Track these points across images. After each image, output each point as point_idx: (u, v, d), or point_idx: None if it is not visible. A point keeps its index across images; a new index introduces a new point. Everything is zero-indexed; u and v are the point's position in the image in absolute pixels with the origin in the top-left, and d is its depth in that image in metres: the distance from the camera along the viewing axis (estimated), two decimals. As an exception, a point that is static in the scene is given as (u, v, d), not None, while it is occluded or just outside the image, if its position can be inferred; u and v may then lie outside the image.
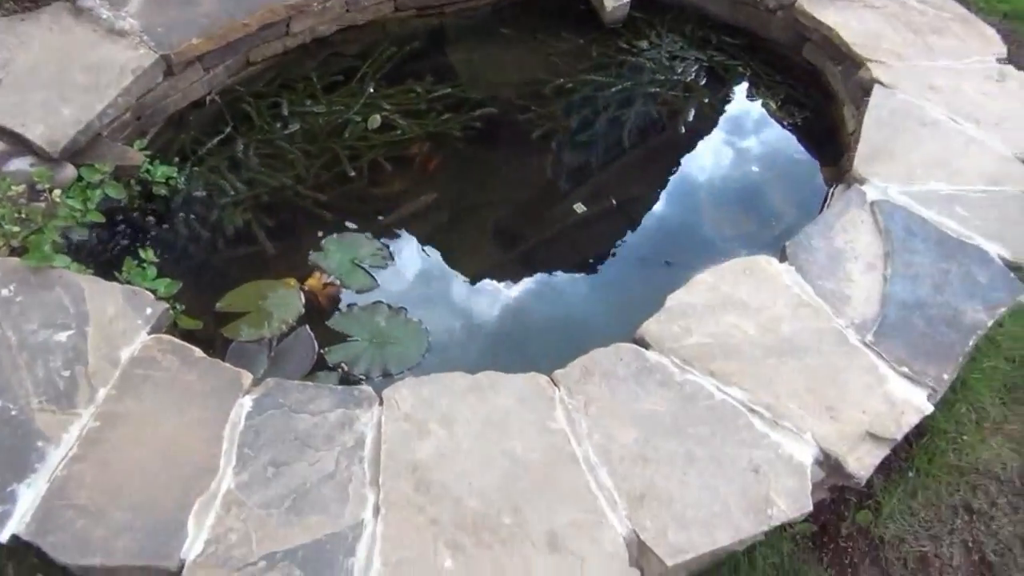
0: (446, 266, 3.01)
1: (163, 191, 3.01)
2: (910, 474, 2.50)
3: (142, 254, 2.71)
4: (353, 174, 3.15)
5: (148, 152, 3.06)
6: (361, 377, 2.54)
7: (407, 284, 2.87)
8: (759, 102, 3.52)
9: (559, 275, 3.05)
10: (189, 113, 3.30)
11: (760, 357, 2.28)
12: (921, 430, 2.58)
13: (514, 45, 3.76)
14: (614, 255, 3.13)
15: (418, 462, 2.03)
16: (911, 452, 2.54)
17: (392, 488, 1.98)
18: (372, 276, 2.83)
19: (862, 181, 2.78)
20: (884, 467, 2.49)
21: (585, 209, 3.20)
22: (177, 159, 3.15)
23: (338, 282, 2.80)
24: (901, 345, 2.32)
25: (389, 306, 2.74)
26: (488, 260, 3.07)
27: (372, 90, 3.46)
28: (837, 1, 3.51)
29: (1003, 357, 2.76)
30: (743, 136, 3.46)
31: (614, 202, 3.23)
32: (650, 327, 2.35)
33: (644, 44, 3.77)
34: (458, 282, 2.97)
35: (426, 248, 3.05)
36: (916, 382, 2.25)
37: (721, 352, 2.29)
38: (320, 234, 2.97)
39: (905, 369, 2.26)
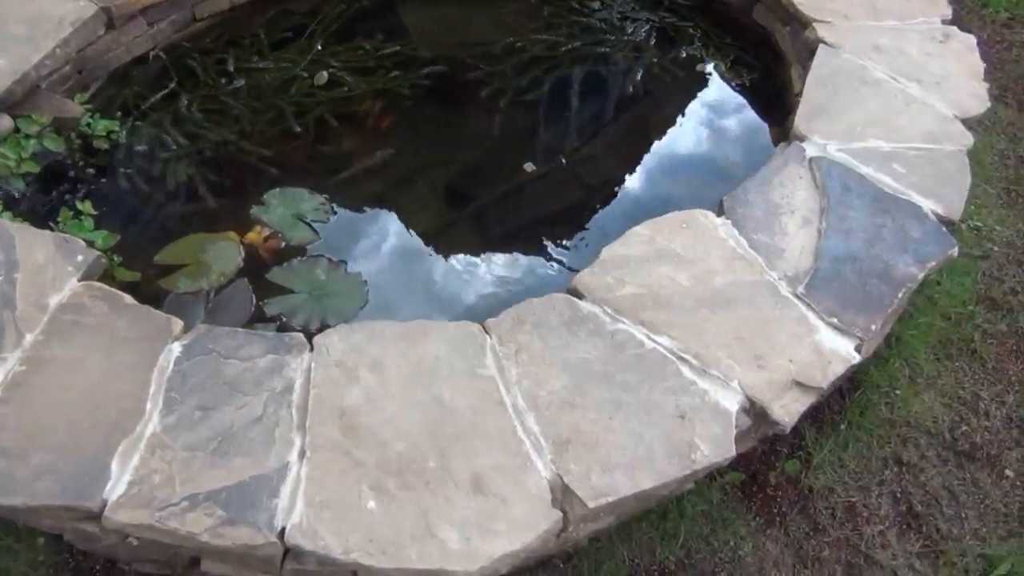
0: (392, 222, 3.01)
1: (104, 145, 2.98)
2: (842, 427, 2.54)
3: (80, 206, 2.68)
4: (299, 130, 3.13)
5: (90, 106, 3.01)
6: (299, 329, 2.53)
7: (350, 239, 2.87)
8: (708, 63, 3.53)
9: (506, 233, 3.06)
10: (133, 68, 3.26)
11: (692, 308, 2.30)
12: (855, 384, 2.62)
13: (466, 5, 3.74)
14: (562, 213, 3.12)
15: (346, 407, 2.04)
16: (844, 406, 2.59)
17: (319, 432, 1.99)
18: (314, 230, 2.81)
19: (802, 138, 2.80)
20: (817, 420, 2.53)
21: (535, 168, 3.20)
22: (120, 113, 3.12)
23: (279, 235, 2.77)
24: (831, 297, 2.34)
25: (329, 259, 2.73)
26: (435, 218, 3.07)
27: (320, 47, 3.43)
28: (787, -38, 3.50)
29: (939, 314, 2.80)
30: (691, 96, 3.47)
31: (563, 161, 3.21)
32: (583, 278, 2.36)
33: (596, 5, 3.76)
34: (403, 238, 2.97)
35: (373, 204, 3.04)
36: (845, 333, 2.28)
37: (653, 302, 2.31)
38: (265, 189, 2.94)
39: (835, 320, 2.29)
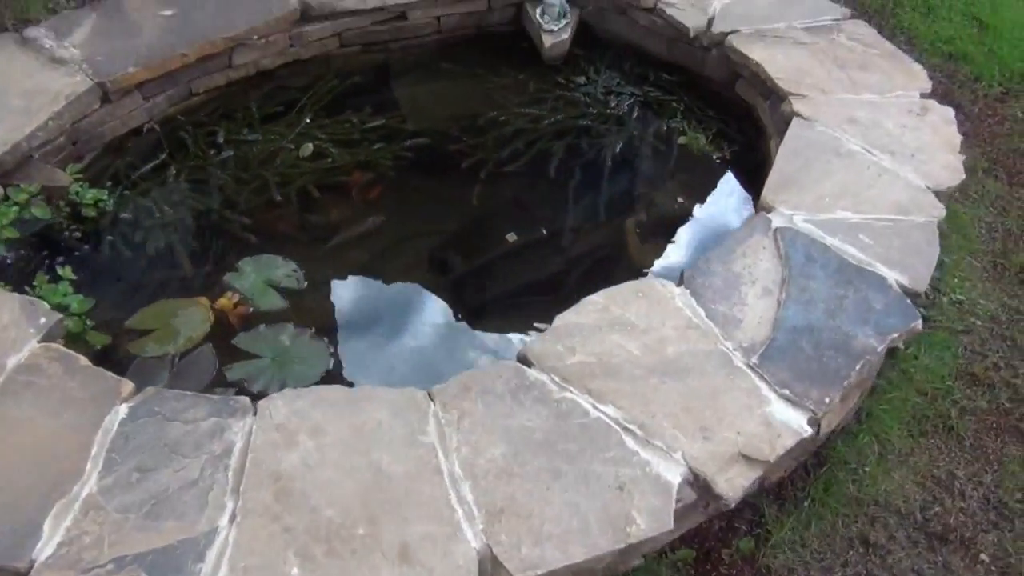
0: (368, 291, 3.06)
1: (92, 213, 3.09)
2: (805, 504, 2.48)
3: (60, 271, 2.77)
4: (279, 199, 3.20)
5: (81, 176, 3.13)
6: (257, 394, 2.55)
7: (321, 307, 2.90)
8: (689, 136, 3.55)
9: (485, 301, 3.09)
10: (128, 140, 3.39)
11: (641, 377, 2.28)
12: (821, 460, 2.56)
13: (456, 80, 3.84)
14: (542, 282, 3.14)
15: (282, 472, 2.04)
16: (808, 482, 2.53)
17: (252, 496, 1.99)
18: (283, 297, 2.86)
19: (769, 209, 2.80)
20: (779, 496, 2.47)
21: (516, 238, 3.21)
22: (110, 183, 3.23)
23: (249, 302, 2.82)
24: (786, 368, 2.31)
25: (295, 326, 2.76)
26: (413, 286, 3.10)
27: (308, 120, 3.54)
28: (767, 38, 3.56)
29: (915, 389, 2.75)
30: (671, 169, 3.51)
31: (544, 232, 3.23)
32: (534, 346, 2.36)
33: (581, 80, 3.84)
34: (378, 306, 3.01)
35: (353, 271, 3.09)
36: (797, 405, 2.24)
37: (602, 371, 2.30)
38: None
39: (787, 392, 2.26)
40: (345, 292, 3.00)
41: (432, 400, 2.24)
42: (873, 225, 2.75)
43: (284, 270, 2.93)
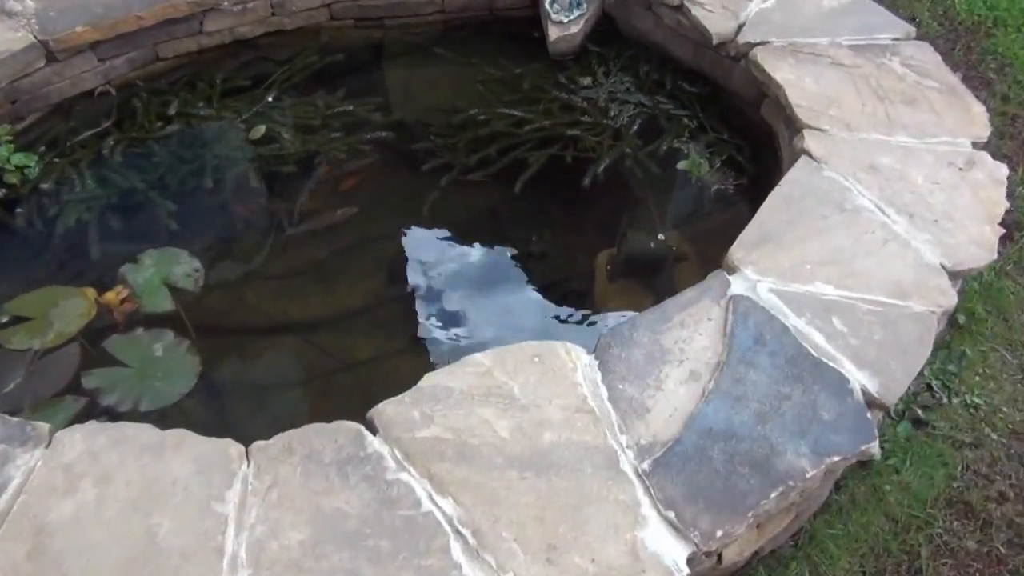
0: (275, 300, 2.77)
1: (13, 179, 2.91)
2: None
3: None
4: (210, 185, 2.92)
5: (11, 138, 2.96)
6: (106, 407, 2.30)
7: (213, 316, 2.62)
8: (692, 161, 3.06)
9: (402, 332, 2.74)
10: (77, 103, 3.19)
11: (499, 467, 1.89)
12: (737, 588, 2.10)
13: (446, 68, 3.48)
14: (480, 320, 2.77)
15: (48, 524, 1.78)
16: (715, 613, 2.07)
17: (5, 548, 1.73)
18: (174, 299, 2.59)
19: (733, 269, 2.32)
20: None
21: (479, 256, 2.89)
22: (44, 148, 3.04)
23: (137, 300, 2.57)
24: (682, 482, 1.87)
25: (175, 335, 2.49)
26: (331, 301, 2.79)
27: (271, 99, 3.25)
28: (800, 54, 3.01)
29: (883, 513, 2.26)
30: (658, 197, 3.06)
31: (497, 259, 2.91)
32: (386, 408, 2.01)
33: (587, 81, 3.39)
34: (281, 324, 2.71)
35: (261, 273, 2.82)
36: (680, 534, 1.80)
37: (455, 452, 1.92)
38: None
39: (672, 514, 1.82)
40: (248, 300, 2.69)
41: (248, 458, 1.91)
42: (855, 307, 2.22)
43: (185, 268, 2.67)
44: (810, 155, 2.66)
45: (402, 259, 2.94)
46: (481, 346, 2.55)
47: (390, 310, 2.81)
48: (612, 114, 3.28)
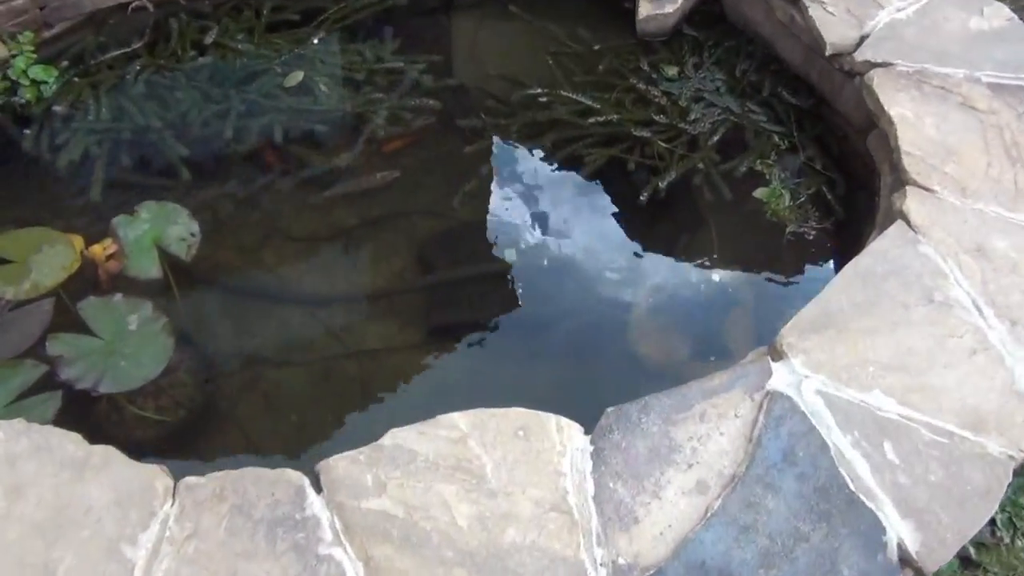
0: (291, 264, 2.57)
1: (28, 95, 2.72)
2: None
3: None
4: (230, 134, 2.68)
5: (33, 49, 2.75)
6: (67, 383, 2.14)
7: (203, 290, 2.42)
8: (771, 191, 2.66)
9: (418, 326, 2.49)
10: (112, 15, 2.96)
11: (448, 562, 1.66)
12: None
13: (518, 31, 3.13)
14: (516, 324, 2.49)
15: (-57, 534, 1.61)
16: None
17: None
18: (161, 265, 2.39)
19: (779, 355, 1.97)
20: None
21: (515, 259, 2.62)
22: (66, 63, 2.85)
23: (124, 258, 2.38)
24: (652, 627, 1.58)
25: (155, 307, 2.29)
26: (352, 276, 2.59)
27: (317, 41, 2.94)
28: (926, 86, 2.54)
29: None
30: (723, 227, 2.67)
31: (546, 263, 2.61)
32: (337, 465, 1.77)
33: (672, 71, 2.98)
34: (292, 290, 2.54)
35: (284, 233, 2.63)
36: None
37: (402, 535, 1.68)
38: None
39: (632, 665, 1.54)
40: (265, 261, 2.55)
41: (174, 496, 1.71)
42: (916, 433, 1.86)
43: (180, 230, 2.47)
44: (908, 221, 2.24)
45: (436, 243, 2.68)
46: (496, 362, 2.42)
47: (411, 299, 2.58)
48: (692, 117, 2.88)
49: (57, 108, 2.74)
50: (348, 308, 2.56)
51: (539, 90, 2.91)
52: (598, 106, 2.89)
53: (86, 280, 2.39)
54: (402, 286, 2.56)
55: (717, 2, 3.18)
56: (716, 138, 2.84)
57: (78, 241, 2.42)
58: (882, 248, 2.19)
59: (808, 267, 2.60)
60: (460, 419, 1.86)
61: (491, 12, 3.21)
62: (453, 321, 2.51)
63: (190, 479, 1.77)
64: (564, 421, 1.88)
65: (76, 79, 2.82)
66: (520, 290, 2.57)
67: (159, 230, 2.48)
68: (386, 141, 2.81)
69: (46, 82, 2.75)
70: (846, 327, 2.03)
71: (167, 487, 1.75)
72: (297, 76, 2.87)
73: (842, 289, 2.11)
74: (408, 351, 2.47)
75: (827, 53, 2.73)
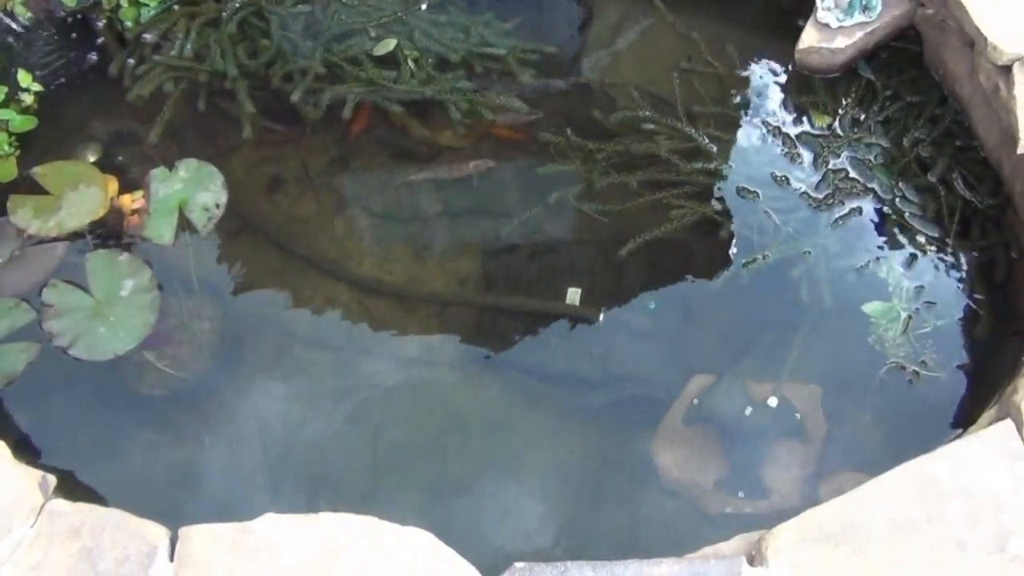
0: (351, 239, 2.49)
1: (127, 17, 2.74)
2: None
3: (21, 78, 2.49)
4: (296, 98, 2.54)
5: (146, -34, 2.72)
6: (47, 335, 2.15)
7: (213, 269, 2.38)
8: (887, 308, 2.16)
9: (456, 352, 2.31)
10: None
11: None
12: None
13: (655, 34, 2.71)
14: (529, 388, 2.25)
15: None
16: None
17: None
18: (177, 231, 2.34)
19: (759, 559, 1.60)
20: None
21: (577, 301, 2.35)
22: (173, -9, 2.79)
23: (147, 215, 2.34)
24: None
25: (155, 276, 2.24)
26: (409, 268, 2.45)
27: (424, 7, 2.69)
28: None
29: None
30: (811, 342, 2.20)
31: (601, 318, 2.31)
32: (199, 536, 1.68)
33: (823, 122, 2.46)
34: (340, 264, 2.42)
35: (362, 205, 2.55)
36: None
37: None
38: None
39: None
40: (332, 230, 2.48)
41: (39, 515, 1.66)
42: None
43: (209, 198, 2.41)
44: (1020, 421, 1.68)
45: (505, 260, 2.48)
46: (507, 413, 2.20)
47: (464, 316, 2.39)
48: (823, 196, 2.38)
49: (147, 36, 2.70)
50: (393, 303, 2.42)
51: (644, 113, 2.48)
52: (712, 147, 2.45)
53: (110, 228, 2.37)
54: (458, 296, 2.40)
55: (917, 40, 2.53)
56: (842, 223, 2.31)
57: (113, 185, 2.41)
58: (966, 453, 1.67)
59: (894, 423, 2.07)
60: (346, 525, 1.65)
61: (627, 5, 2.79)
62: (491, 353, 2.31)
63: (57, 505, 1.71)
64: (461, 564, 1.60)
65: (176, 7, 2.74)
66: (569, 341, 2.31)
67: (190, 192, 2.42)
68: (496, 127, 2.61)
69: (147, 5, 2.70)
70: (867, 549, 1.58)
71: (33, 507, 1.68)
72: (388, 45, 2.65)
73: (885, 492, 1.64)
74: (430, 370, 2.30)
75: (1020, 151, 2.09)
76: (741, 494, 2.08)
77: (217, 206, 2.42)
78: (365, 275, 2.41)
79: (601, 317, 2.29)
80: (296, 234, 2.45)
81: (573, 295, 2.36)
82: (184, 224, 2.39)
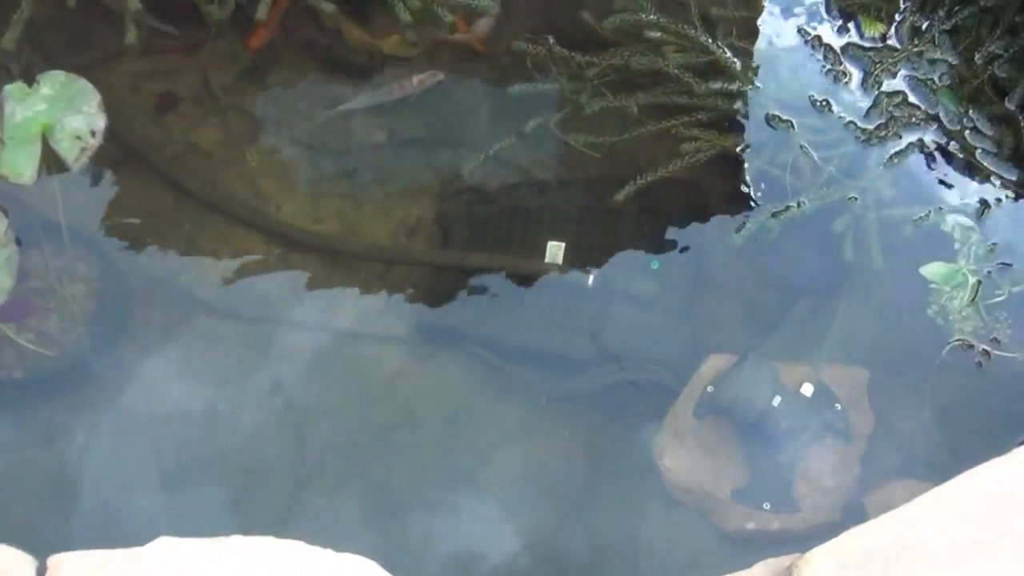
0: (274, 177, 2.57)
1: None
2: None
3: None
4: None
5: None
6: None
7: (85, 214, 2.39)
8: (951, 272, 2.21)
9: (405, 314, 2.40)
10: None
11: None
12: None
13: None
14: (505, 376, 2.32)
15: None
16: None
17: None
18: (38, 170, 2.35)
19: (789, 593, 1.61)
20: None
21: (560, 259, 2.41)
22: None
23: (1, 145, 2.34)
24: None
25: (8, 226, 2.25)
26: (345, 214, 2.51)
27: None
28: None
29: None
30: (855, 313, 2.28)
31: (590, 280, 2.38)
32: (69, 567, 1.62)
33: (876, 30, 2.52)
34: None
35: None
36: None
37: None
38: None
39: None
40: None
41: None
42: None
43: (81, 122, 2.42)
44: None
45: (467, 206, 2.56)
46: (475, 408, 2.28)
47: (414, 277, 2.46)
48: (872, 117, 2.42)
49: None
50: (324, 258, 2.48)
51: (649, 16, 2.50)
52: (734, 62, 2.47)
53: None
54: (406, 252, 2.48)
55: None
56: (897, 161, 2.37)
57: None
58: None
59: (959, 418, 2.16)
60: (263, 551, 1.66)
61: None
62: (449, 326, 2.39)
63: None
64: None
65: None
66: (549, 310, 2.37)
67: (55, 116, 2.40)
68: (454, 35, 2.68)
69: None
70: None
71: None
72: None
73: (947, 506, 1.68)
74: (379, 345, 2.38)
75: None
76: (766, 506, 2.13)
77: (92, 133, 2.40)
78: (286, 223, 2.44)
79: (590, 279, 2.34)
80: (196, 169, 2.48)
81: (555, 251, 2.41)
82: (49, 157, 2.38)
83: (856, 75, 2.48)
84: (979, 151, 2.36)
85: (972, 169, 2.37)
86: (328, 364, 2.25)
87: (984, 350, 2.15)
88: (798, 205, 2.32)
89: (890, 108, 2.42)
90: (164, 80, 2.56)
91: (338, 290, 2.36)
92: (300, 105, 2.60)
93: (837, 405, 2.17)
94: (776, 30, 2.59)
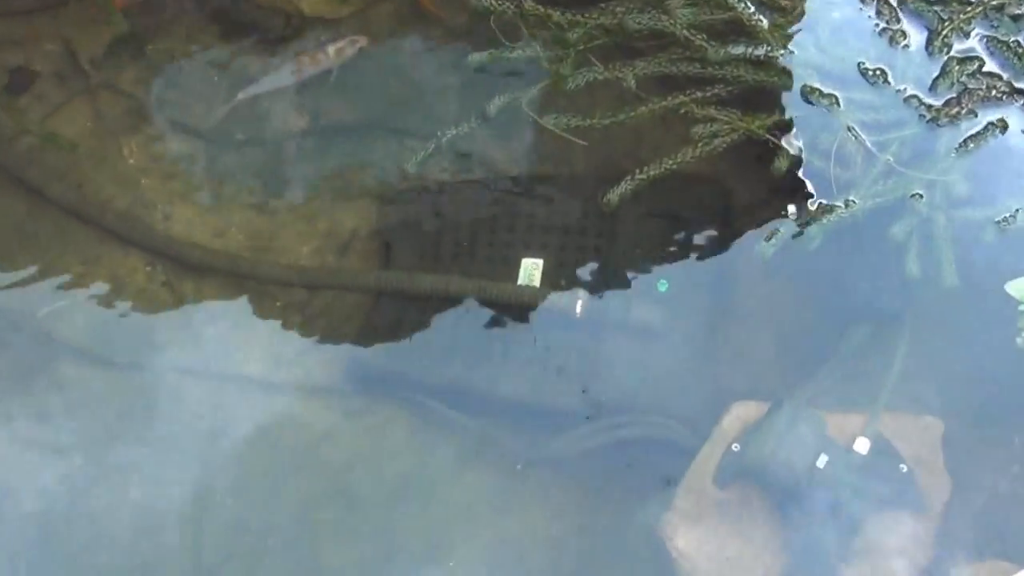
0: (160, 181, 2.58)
1: None
2: None
3: None
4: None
5: None
6: None
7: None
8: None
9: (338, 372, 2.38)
10: None
11: None
12: None
13: None
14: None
15: None
16: None
17: None
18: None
19: None
20: None
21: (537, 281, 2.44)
22: None
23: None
24: None
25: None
26: (254, 223, 2.53)
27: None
28: None
29: None
30: (924, 338, 2.29)
31: (578, 307, 2.36)
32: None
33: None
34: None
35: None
36: None
37: None
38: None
39: None
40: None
41: None
42: None
43: None
44: None
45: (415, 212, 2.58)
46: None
47: (346, 308, 2.45)
48: (940, 89, 2.43)
49: None
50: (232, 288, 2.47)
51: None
52: (761, 20, 2.48)
53: None
54: (336, 275, 2.47)
55: None
56: (973, 147, 2.37)
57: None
58: None
59: None
60: None
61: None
62: (392, 371, 2.39)
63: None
64: None
65: None
66: (524, 348, 2.40)
67: None
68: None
69: None
70: None
71: None
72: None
73: None
74: (300, 398, 2.36)
75: None
76: (803, 601, 2.19)
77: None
78: (176, 238, 2.44)
79: (579, 306, 2.35)
80: (58, 167, 2.49)
81: (531, 270, 2.43)
82: None
83: (918, 36, 2.52)
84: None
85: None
86: (233, 425, 2.23)
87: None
88: (846, 205, 2.34)
89: (963, 78, 2.45)
90: (15, 51, 2.60)
91: (245, 326, 2.36)
92: (194, 84, 2.63)
93: (902, 466, 2.14)
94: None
